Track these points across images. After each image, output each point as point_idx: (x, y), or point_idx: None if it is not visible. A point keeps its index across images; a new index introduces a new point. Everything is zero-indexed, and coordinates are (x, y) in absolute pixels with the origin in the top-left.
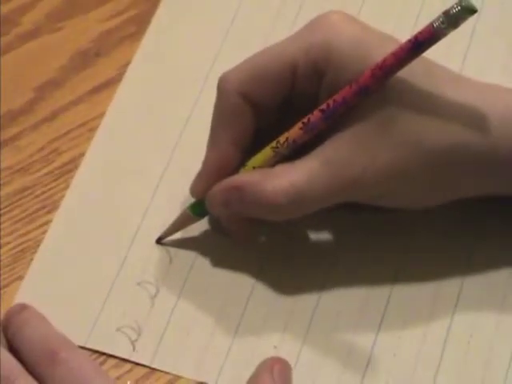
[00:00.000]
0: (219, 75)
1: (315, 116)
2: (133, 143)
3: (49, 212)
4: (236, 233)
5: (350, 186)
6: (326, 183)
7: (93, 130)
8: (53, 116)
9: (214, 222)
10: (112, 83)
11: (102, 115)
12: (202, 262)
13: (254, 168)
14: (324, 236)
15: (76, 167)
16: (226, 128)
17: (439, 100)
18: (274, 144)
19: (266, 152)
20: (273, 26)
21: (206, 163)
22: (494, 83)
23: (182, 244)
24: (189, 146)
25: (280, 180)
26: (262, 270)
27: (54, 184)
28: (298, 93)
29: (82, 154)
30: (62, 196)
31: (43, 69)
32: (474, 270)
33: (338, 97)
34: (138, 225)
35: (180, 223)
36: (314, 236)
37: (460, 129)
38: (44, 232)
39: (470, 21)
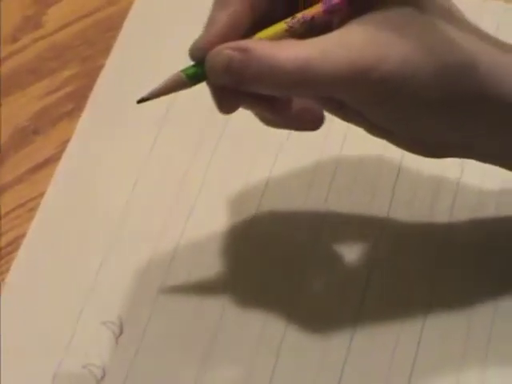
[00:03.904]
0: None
1: None
2: (74, 224)
3: None
4: (219, 103)
5: (360, 75)
6: (339, 64)
7: (33, 210)
8: None
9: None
10: (51, 162)
11: (41, 195)
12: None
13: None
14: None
15: (17, 248)
16: None
17: (457, 20)
18: (288, 19)
19: (279, 26)
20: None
21: (212, 20)
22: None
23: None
24: (132, 229)
25: (294, 49)
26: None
27: None
28: None
29: (23, 235)
30: (3, 279)
31: None
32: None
33: None
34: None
35: (170, 86)
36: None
37: (472, 50)
38: None
39: None
